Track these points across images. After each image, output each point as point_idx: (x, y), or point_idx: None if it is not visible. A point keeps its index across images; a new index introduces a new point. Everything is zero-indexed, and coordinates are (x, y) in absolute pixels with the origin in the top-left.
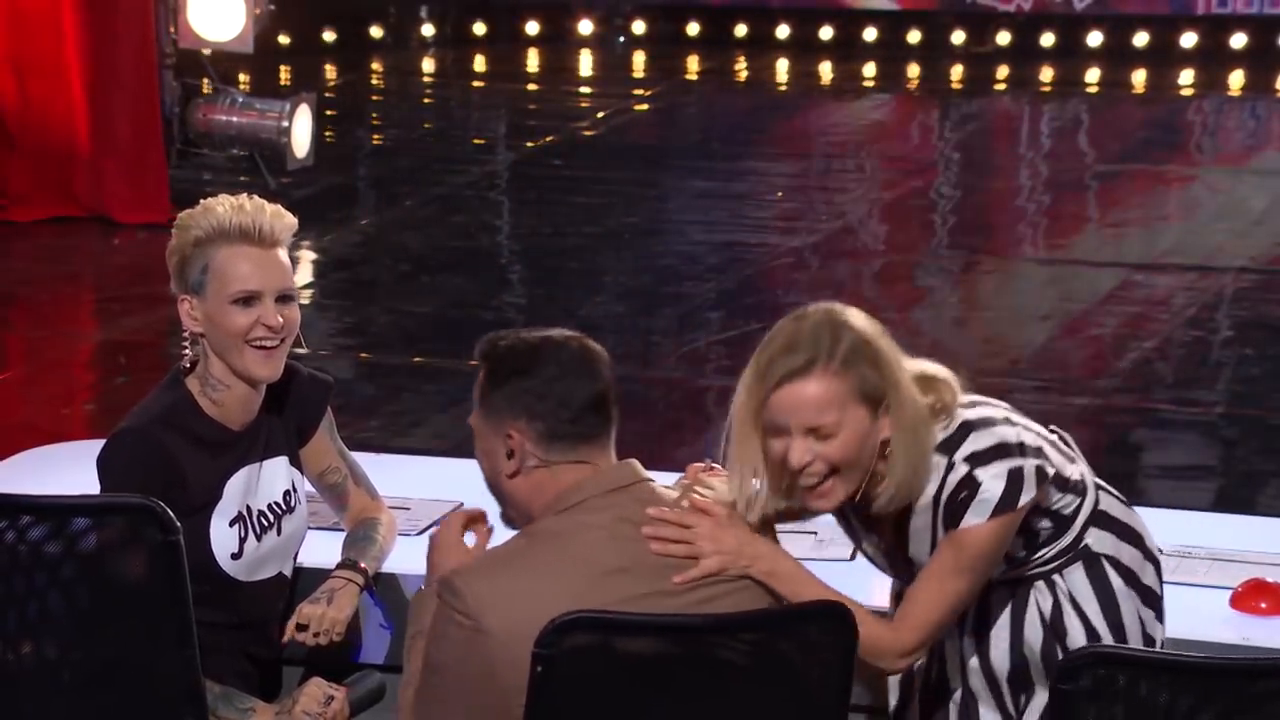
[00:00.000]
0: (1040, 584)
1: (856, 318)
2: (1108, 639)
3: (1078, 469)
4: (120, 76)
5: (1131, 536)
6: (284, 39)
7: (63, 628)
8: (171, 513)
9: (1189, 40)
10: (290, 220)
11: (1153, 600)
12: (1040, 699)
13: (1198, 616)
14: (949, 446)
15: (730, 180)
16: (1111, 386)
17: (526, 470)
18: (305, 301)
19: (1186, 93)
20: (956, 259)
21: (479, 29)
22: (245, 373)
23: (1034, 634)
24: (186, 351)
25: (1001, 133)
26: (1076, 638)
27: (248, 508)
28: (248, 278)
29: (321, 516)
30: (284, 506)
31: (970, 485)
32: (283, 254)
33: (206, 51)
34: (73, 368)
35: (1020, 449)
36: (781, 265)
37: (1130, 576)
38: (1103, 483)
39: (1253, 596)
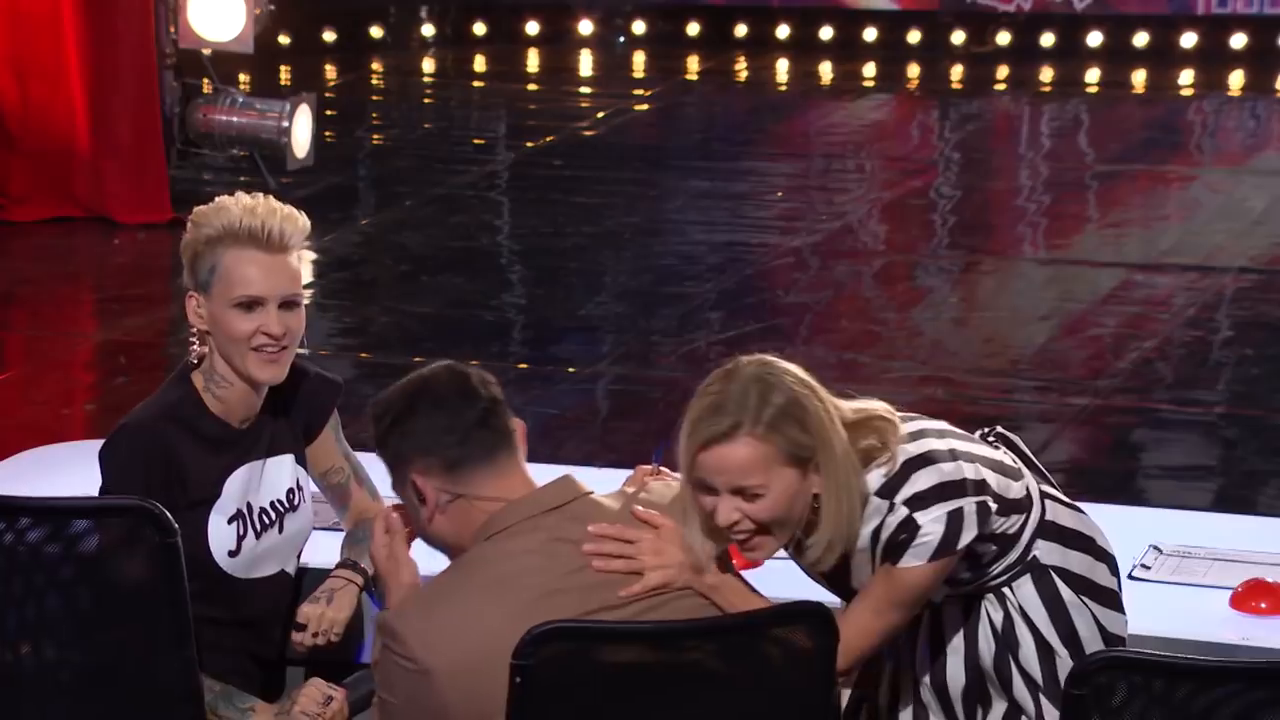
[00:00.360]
0: (991, 597)
1: (787, 375)
2: (1060, 650)
3: (1022, 485)
4: (120, 77)
5: (1080, 542)
6: (284, 39)
7: (61, 629)
8: (169, 514)
9: (1189, 40)
10: (303, 224)
11: (1110, 598)
12: (997, 712)
13: (1198, 616)
14: (889, 489)
15: (730, 180)
16: (1111, 386)
17: (443, 507)
18: (305, 301)
19: (1186, 93)
20: (956, 259)
21: (479, 29)
22: (247, 375)
23: (986, 647)
24: (194, 345)
25: (1001, 133)
26: (1028, 650)
27: (248, 505)
28: (251, 283)
29: (323, 516)
30: (287, 504)
31: (909, 528)
32: (293, 259)
33: (206, 51)
34: (73, 368)
35: (961, 487)
36: (781, 265)
37: (1081, 583)
38: (1049, 489)
39: (1253, 596)
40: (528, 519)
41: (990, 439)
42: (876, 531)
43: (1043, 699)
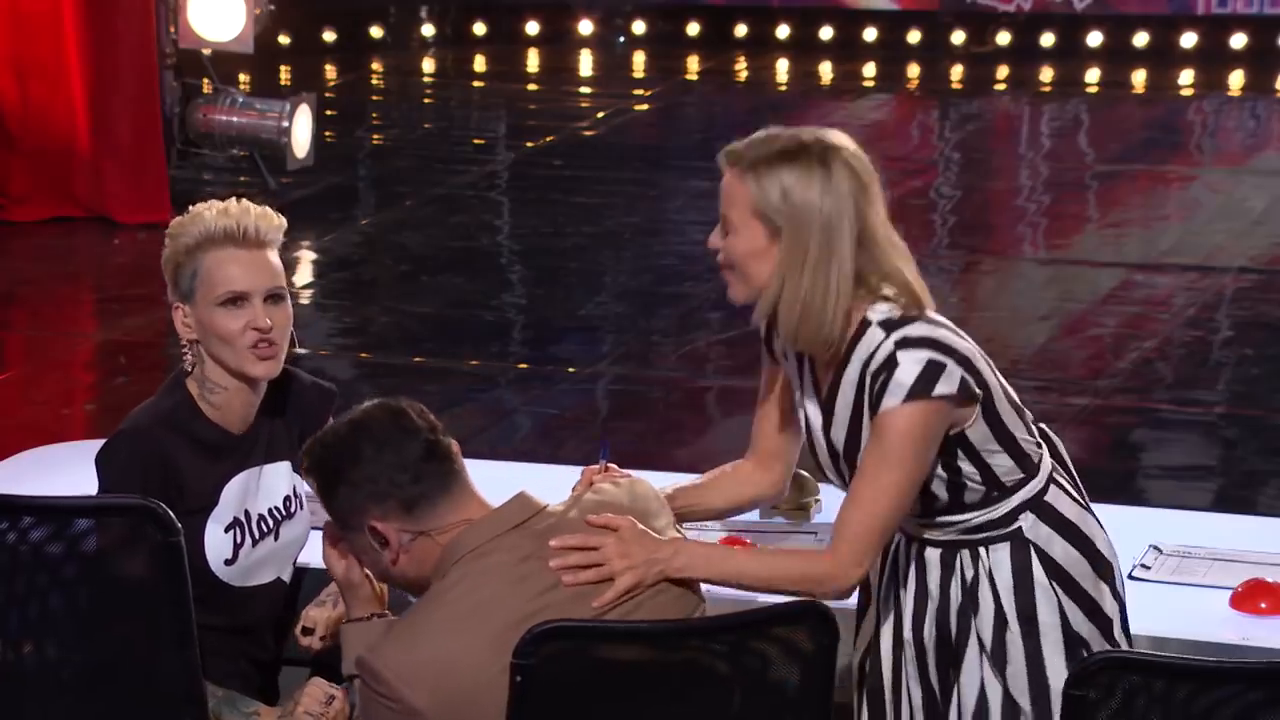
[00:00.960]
0: (967, 553)
1: (845, 157)
2: (1013, 625)
3: (1034, 448)
4: (120, 77)
5: (1076, 538)
6: (284, 39)
7: (64, 628)
8: (172, 514)
9: (1189, 40)
10: (278, 221)
11: (1084, 599)
12: (970, 676)
13: (1198, 616)
14: (889, 325)
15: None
16: (1111, 386)
17: (406, 547)
18: (305, 301)
19: (1186, 93)
20: (956, 259)
21: (479, 29)
22: (241, 371)
23: (955, 602)
24: (187, 356)
25: (1001, 133)
26: (985, 615)
27: (246, 513)
28: (233, 279)
29: (320, 515)
30: (284, 512)
31: (890, 366)
32: (272, 255)
33: (207, 51)
34: (73, 368)
35: (951, 351)
36: None
37: (1058, 571)
38: (1065, 484)
39: (1253, 596)
40: (491, 539)
41: (1042, 432)
42: (865, 365)
43: (987, 666)
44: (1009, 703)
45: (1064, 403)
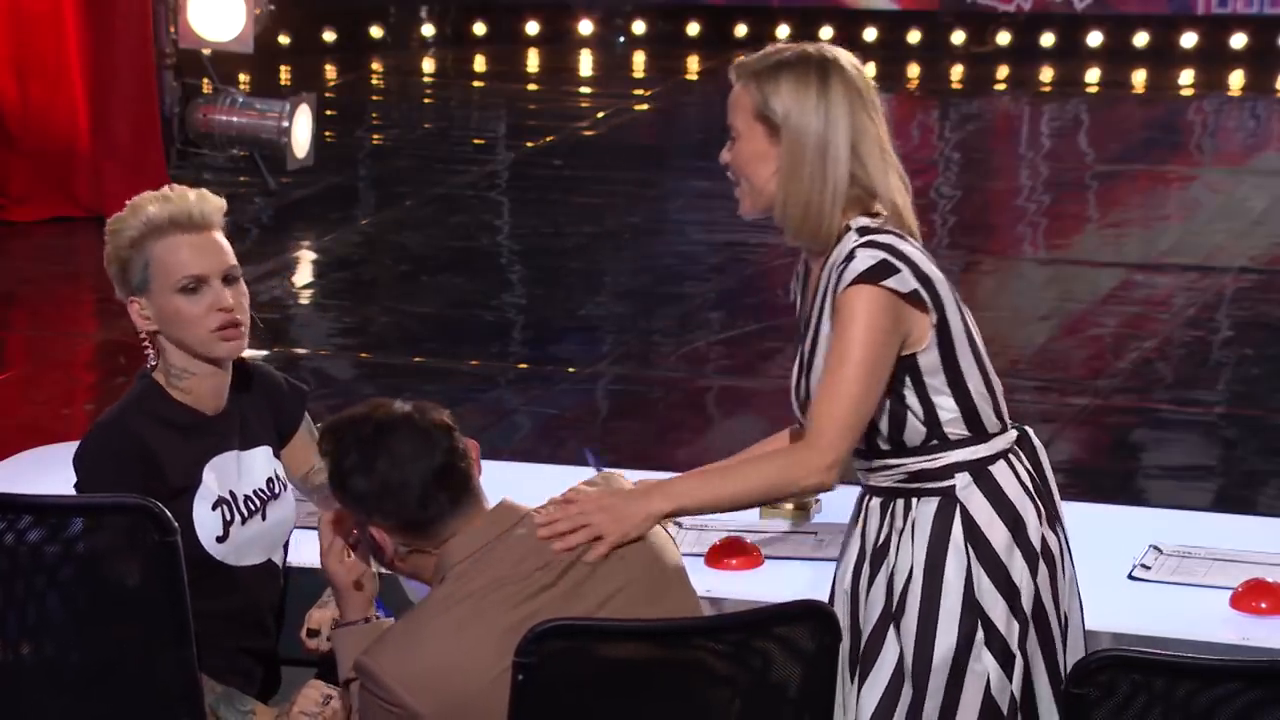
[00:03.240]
0: (900, 503)
1: (843, 64)
2: (918, 577)
3: (992, 418)
4: (120, 77)
5: (1009, 515)
6: (284, 39)
7: (61, 628)
8: (169, 514)
9: (1189, 40)
10: (219, 202)
11: (996, 570)
12: (873, 630)
13: (1198, 616)
14: (865, 232)
15: (730, 180)
16: (1111, 386)
17: (402, 555)
18: (305, 301)
19: (1186, 93)
20: (956, 259)
21: (479, 29)
22: (208, 353)
23: (878, 550)
24: (148, 351)
25: (1001, 133)
26: (901, 567)
27: (231, 493)
28: (188, 263)
29: (304, 517)
30: (269, 493)
31: (848, 259)
32: (219, 235)
33: (206, 51)
34: (73, 368)
35: (909, 263)
36: (781, 265)
37: (977, 537)
38: (1022, 473)
39: (1253, 596)
40: (481, 548)
41: (1020, 430)
42: (836, 258)
43: (890, 622)
44: (897, 671)
45: (1064, 403)
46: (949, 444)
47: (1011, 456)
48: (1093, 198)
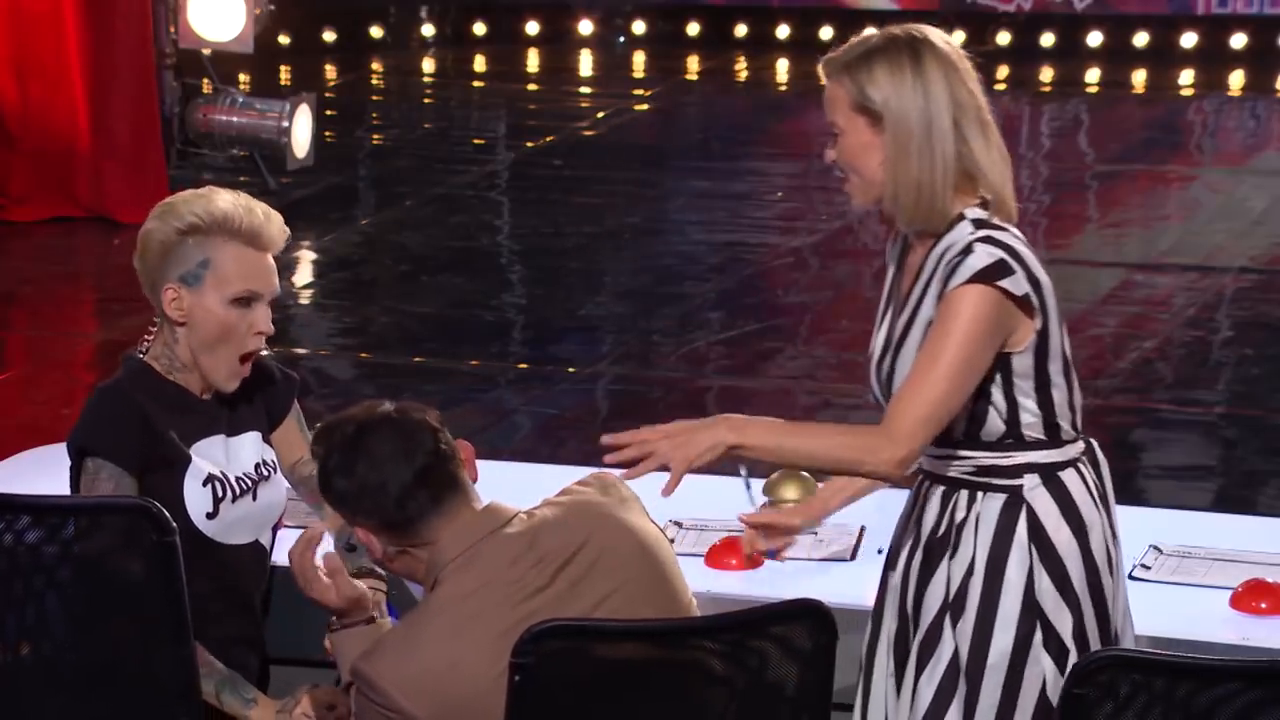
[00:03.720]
0: (964, 494)
1: (933, 41)
2: (979, 572)
3: (1069, 429)
4: (120, 77)
5: (1075, 521)
6: (284, 39)
7: (59, 627)
8: (167, 514)
9: (1189, 40)
10: (284, 227)
11: (1063, 581)
12: (930, 621)
13: (1198, 616)
14: (980, 224)
15: (730, 180)
16: (1111, 386)
17: (391, 556)
18: (305, 301)
19: (1186, 93)
20: None
21: (479, 29)
22: (213, 377)
23: (937, 540)
24: (149, 338)
25: (1001, 133)
26: (960, 560)
27: (222, 474)
28: (252, 279)
29: (294, 515)
30: (258, 475)
31: (965, 252)
32: (272, 260)
33: (206, 51)
34: (73, 368)
35: (1024, 267)
36: (781, 265)
37: (1041, 538)
38: (1090, 483)
39: (1253, 596)
40: (469, 548)
41: (1087, 441)
42: (949, 247)
43: (947, 616)
44: (952, 665)
45: None
46: (1024, 445)
47: (1081, 465)
48: (1093, 198)
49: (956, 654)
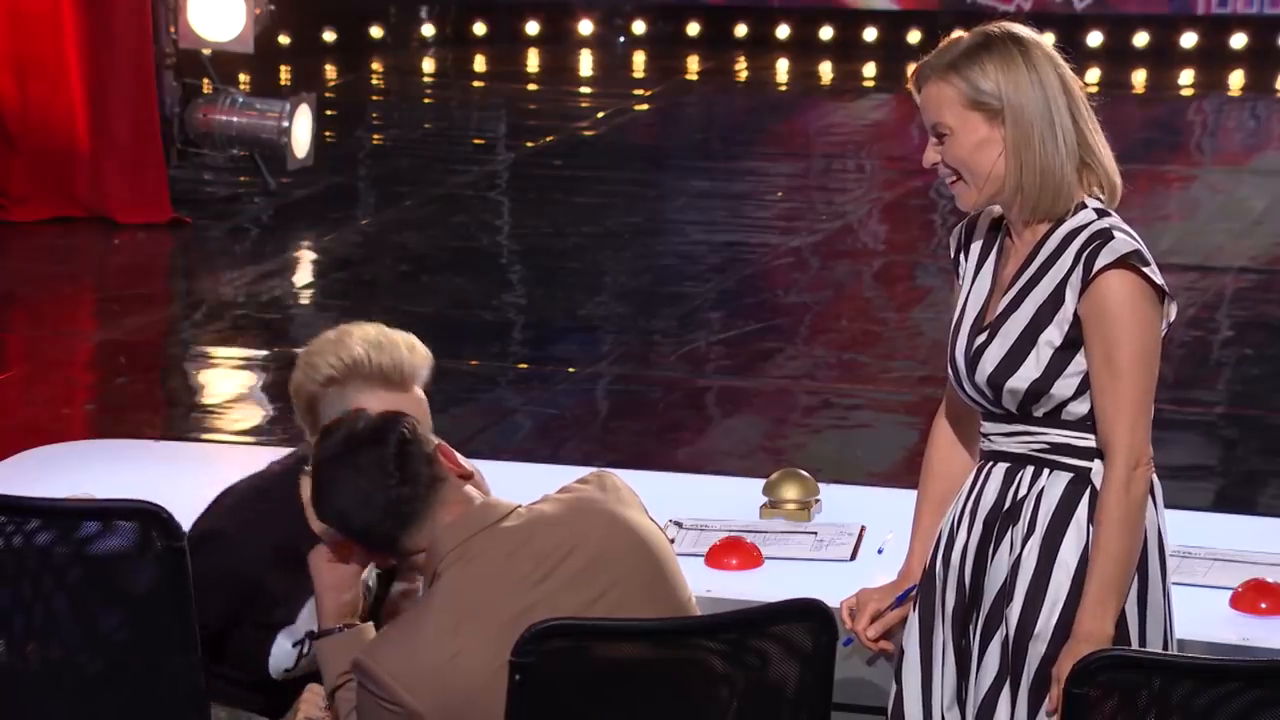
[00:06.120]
0: (1030, 470)
1: (1030, 33)
2: (1031, 553)
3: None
4: (120, 76)
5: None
6: (284, 39)
7: (68, 630)
8: (178, 523)
9: (1189, 40)
10: (427, 354)
11: (1148, 594)
12: (993, 596)
13: (1198, 616)
14: (1104, 214)
15: (730, 180)
16: None
17: (393, 561)
18: (305, 301)
19: (1186, 93)
20: None
21: (479, 29)
22: None
23: (1000, 512)
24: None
25: None
26: (1019, 533)
27: (310, 631)
28: None
29: None
30: None
31: (1104, 235)
32: (419, 392)
33: (206, 51)
34: (73, 368)
35: (1149, 264)
36: (781, 265)
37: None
38: (1154, 478)
39: (1253, 596)
40: (463, 542)
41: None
42: (1075, 232)
43: (1003, 590)
44: (1004, 646)
45: None
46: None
47: (1148, 464)
48: None
49: (1006, 627)
